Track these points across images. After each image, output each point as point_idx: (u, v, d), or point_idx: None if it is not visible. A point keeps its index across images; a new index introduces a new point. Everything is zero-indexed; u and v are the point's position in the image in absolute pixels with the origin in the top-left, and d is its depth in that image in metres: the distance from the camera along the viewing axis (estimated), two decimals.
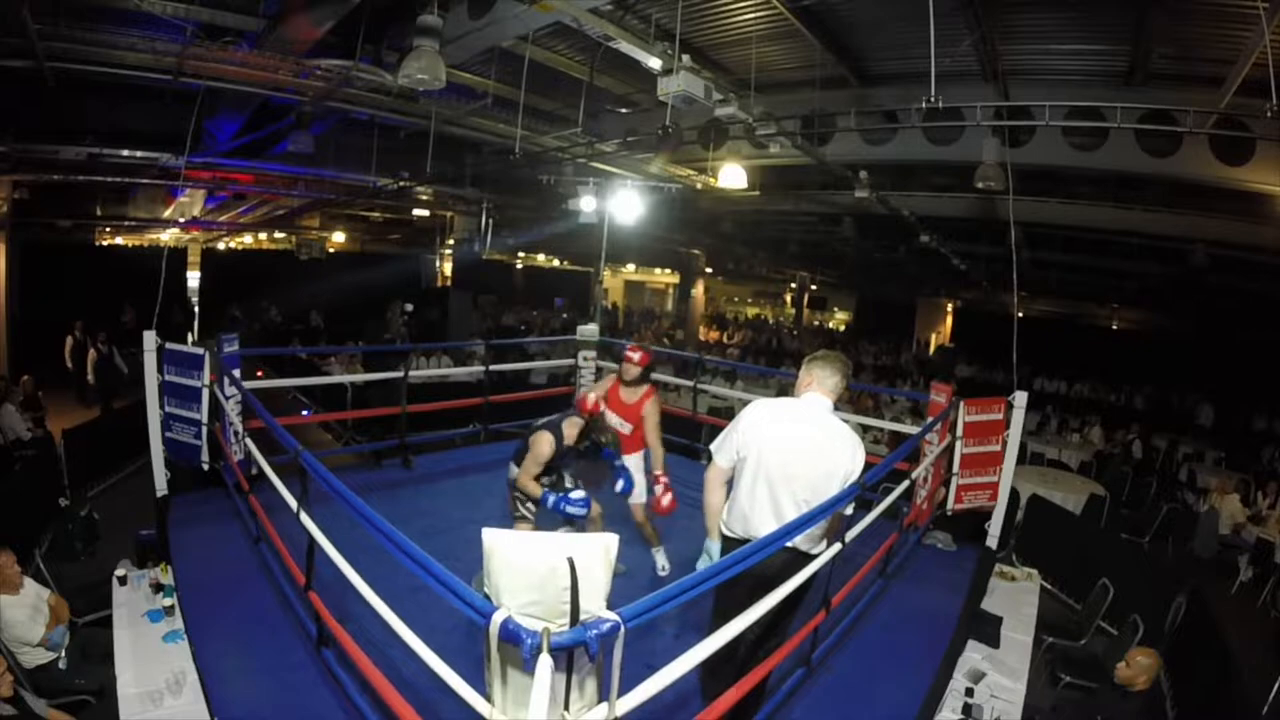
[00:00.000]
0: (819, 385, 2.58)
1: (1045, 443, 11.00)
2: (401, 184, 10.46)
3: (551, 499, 3.27)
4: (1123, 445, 10.92)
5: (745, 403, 9.06)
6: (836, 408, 2.63)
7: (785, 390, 11.11)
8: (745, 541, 2.33)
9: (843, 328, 26.07)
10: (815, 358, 2.63)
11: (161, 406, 4.24)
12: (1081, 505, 7.51)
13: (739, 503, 2.54)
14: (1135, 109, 4.82)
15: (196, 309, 15.97)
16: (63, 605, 3.77)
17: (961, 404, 4.39)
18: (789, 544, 2.34)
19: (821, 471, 2.47)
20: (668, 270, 25.50)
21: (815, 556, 2.50)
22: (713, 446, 2.60)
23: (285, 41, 5.91)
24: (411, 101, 7.58)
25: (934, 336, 22.37)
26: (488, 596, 1.79)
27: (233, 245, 20.39)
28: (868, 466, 2.59)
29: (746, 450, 2.49)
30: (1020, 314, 13.74)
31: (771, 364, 16.22)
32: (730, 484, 2.62)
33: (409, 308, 12.55)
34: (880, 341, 20.72)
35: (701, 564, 2.64)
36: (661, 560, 4.05)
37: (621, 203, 7.72)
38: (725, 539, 2.60)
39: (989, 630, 3.82)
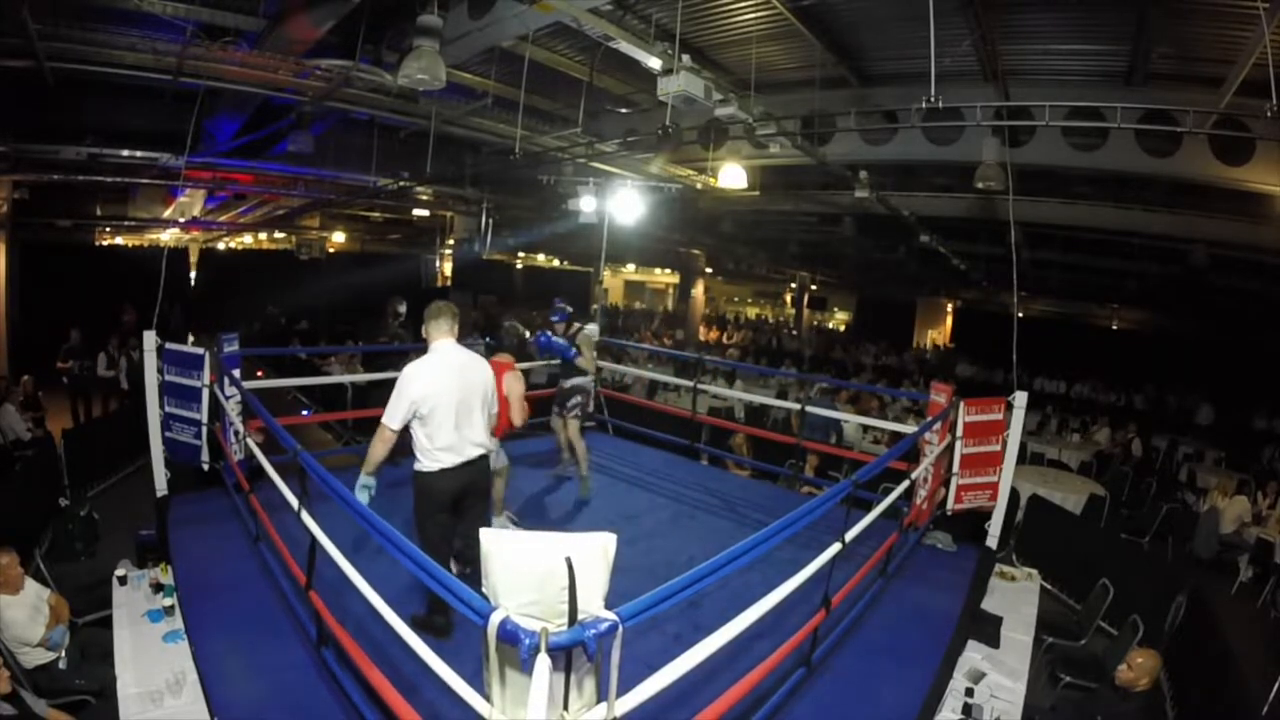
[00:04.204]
0: (439, 333, 3.15)
1: (1045, 443, 10.99)
2: (401, 184, 10.46)
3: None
4: (1123, 445, 10.92)
5: (745, 403, 9.00)
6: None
7: (784, 390, 11.15)
8: (454, 469, 3.06)
9: (843, 328, 26.06)
10: (428, 318, 3.16)
11: (161, 406, 4.24)
12: (1081, 505, 7.50)
13: (441, 439, 3.04)
14: (1135, 109, 4.81)
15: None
16: (63, 605, 3.77)
17: (961, 404, 4.40)
18: (481, 451, 3.16)
19: (483, 383, 3.22)
20: (668, 270, 25.48)
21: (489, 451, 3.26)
22: (385, 418, 3.01)
23: (285, 41, 5.91)
24: (411, 101, 7.58)
25: (934, 336, 22.37)
26: (486, 596, 1.79)
27: (233, 245, 20.40)
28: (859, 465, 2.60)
29: (425, 406, 2.99)
30: (1020, 314, 13.72)
31: (772, 364, 16.21)
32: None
33: (402, 310, 12.44)
34: (880, 341, 20.72)
35: (361, 495, 2.97)
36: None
37: (621, 203, 7.72)
38: (433, 474, 3.07)
39: (989, 630, 3.82)
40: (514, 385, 3.92)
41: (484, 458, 3.23)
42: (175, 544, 3.87)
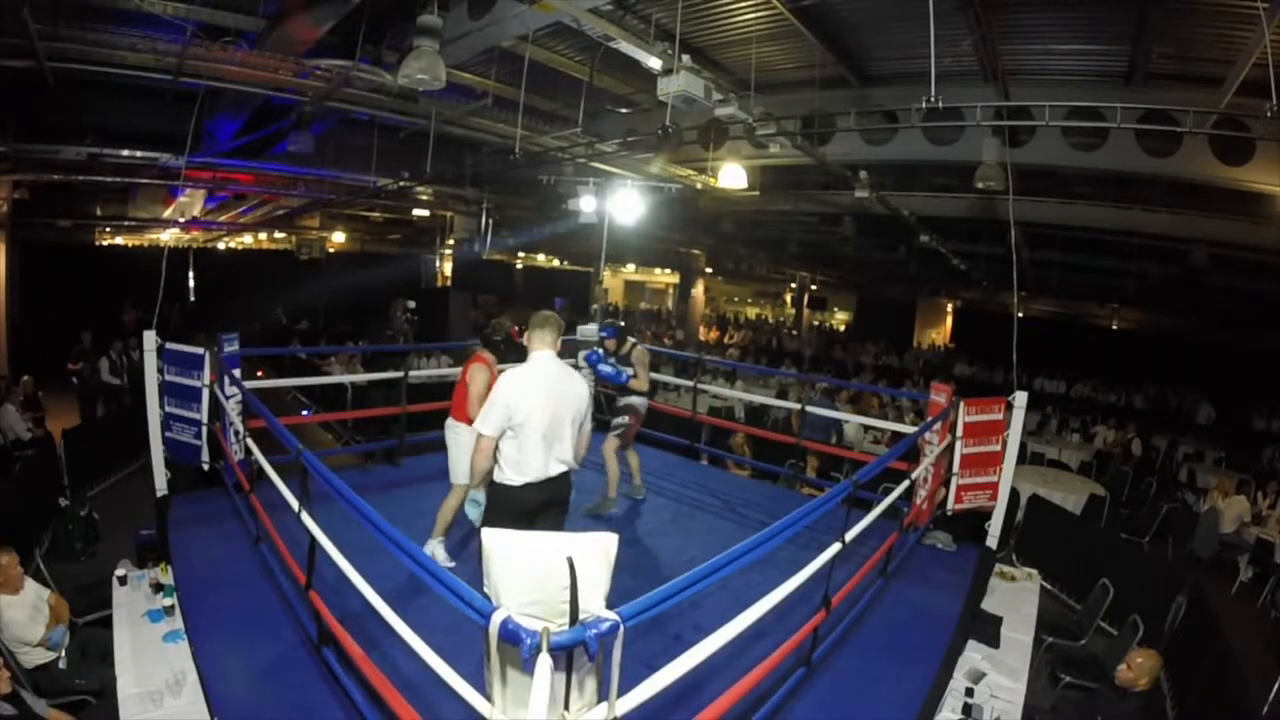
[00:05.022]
0: (541, 344, 3.12)
1: (1045, 443, 11.01)
2: (401, 184, 10.46)
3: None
4: (1122, 445, 10.93)
5: (745, 403, 8.98)
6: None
7: (784, 390, 11.14)
8: (537, 484, 3.00)
9: (843, 328, 26.07)
10: (533, 326, 3.13)
11: (161, 406, 4.24)
12: (1081, 505, 7.51)
13: (529, 452, 2.98)
14: (1135, 109, 4.81)
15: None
16: (63, 605, 3.78)
17: (961, 404, 4.40)
18: (565, 468, 3.09)
19: (577, 398, 3.13)
20: (668, 270, 25.48)
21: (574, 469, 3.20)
22: (479, 425, 2.98)
23: (285, 41, 5.91)
24: (411, 101, 7.57)
25: (934, 336, 22.38)
26: (487, 596, 1.79)
27: (233, 245, 20.41)
28: (859, 465, 2.62)
29: (517, 416, 2.93)
30: (1020, 314, 13.71)
31: (772, 364, 16.21)
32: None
33: (411, 305, 12.58)
34: (880, 341, 20.73)
35: (471, 511, 3.08)
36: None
37: (621, 203, 7.72)
38: (516, 487, 3.01)
39: (989, 630, 3.82)
40: (478, 376, 3.78)
41: (567, 474, 3.15)
42: (175, 544, 3.87)
